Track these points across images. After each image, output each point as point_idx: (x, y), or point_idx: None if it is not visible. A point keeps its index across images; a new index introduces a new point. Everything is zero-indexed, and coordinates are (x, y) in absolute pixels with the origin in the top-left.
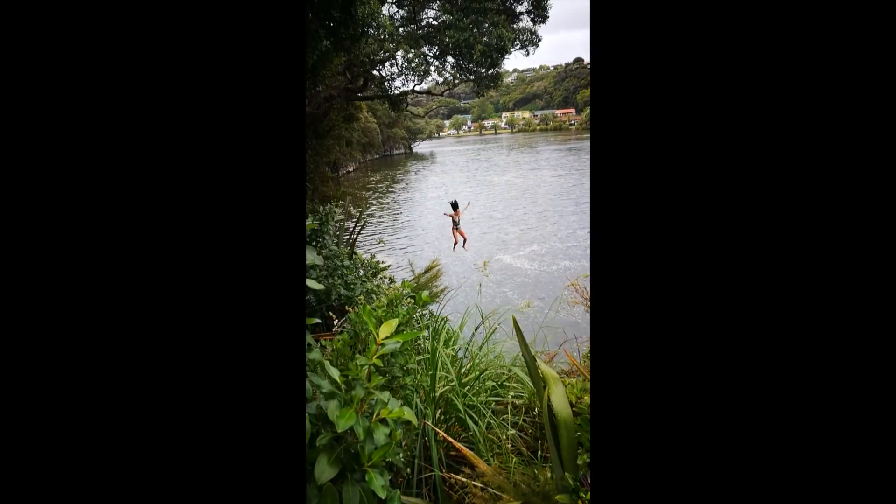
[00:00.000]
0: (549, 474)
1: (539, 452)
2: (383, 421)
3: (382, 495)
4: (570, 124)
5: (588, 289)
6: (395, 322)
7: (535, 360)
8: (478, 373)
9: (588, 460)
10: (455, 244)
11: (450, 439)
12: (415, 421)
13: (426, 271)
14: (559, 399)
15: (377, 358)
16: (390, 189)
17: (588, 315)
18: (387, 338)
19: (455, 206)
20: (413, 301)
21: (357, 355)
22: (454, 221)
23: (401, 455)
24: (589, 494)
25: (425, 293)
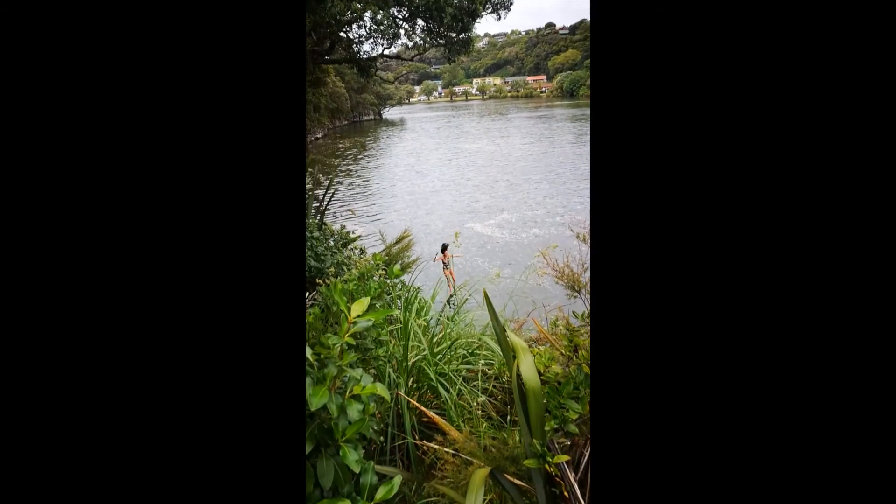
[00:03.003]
0: (517, 438)
1: (508, 417)
2: (356, 397)
3: (357, 469)
4: (541, 91)
5: (557, 260)
6: (366, 300)
7: (505, 331)
8: (449, 342)
9: (555, 426)
10: (450, 284)
11: (422, 408)
12: (387, 396)
13: (397, 241)
14: (528, 368)
15: (349, 336)
16: (360, 156)
17: (555, 283)
18: (359, 316)
19: (444, 248)
20: (385, 273)
21: (329, 334)
22: (444, 263)
23: (374, 425)
24: (555, 458)
25: (397, 267)
